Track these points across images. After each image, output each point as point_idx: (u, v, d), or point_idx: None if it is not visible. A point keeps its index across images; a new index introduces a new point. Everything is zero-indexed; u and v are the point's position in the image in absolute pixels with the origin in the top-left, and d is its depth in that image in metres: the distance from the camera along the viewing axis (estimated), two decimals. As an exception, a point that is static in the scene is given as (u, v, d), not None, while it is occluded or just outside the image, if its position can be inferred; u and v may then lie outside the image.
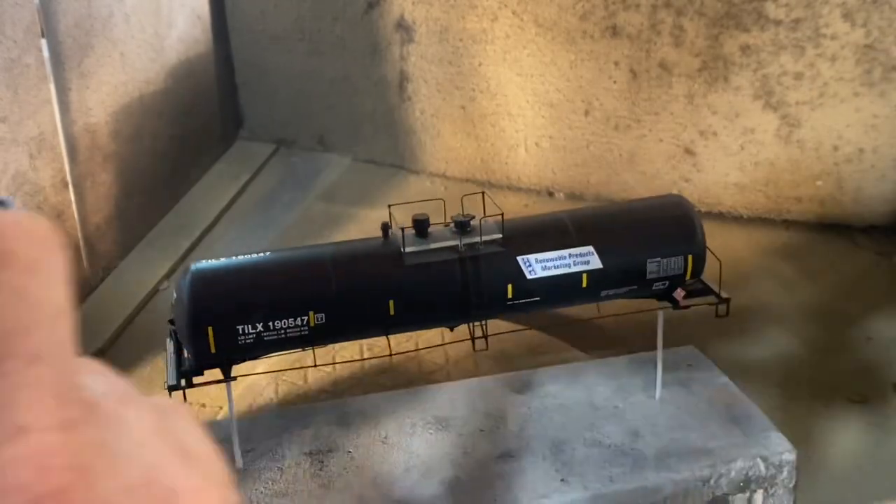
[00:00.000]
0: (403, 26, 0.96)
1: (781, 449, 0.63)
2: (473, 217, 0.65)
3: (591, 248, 0.64)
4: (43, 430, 0.16)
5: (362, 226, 0.94)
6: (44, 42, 0.75)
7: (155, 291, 0.86)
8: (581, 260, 0.64)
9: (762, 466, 0.64)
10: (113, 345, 0.84)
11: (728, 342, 0.78)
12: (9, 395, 0.16)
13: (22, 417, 0.16)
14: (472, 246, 0.64)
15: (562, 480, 0.62)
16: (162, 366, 0.70)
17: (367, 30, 0.98)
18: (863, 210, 0.93)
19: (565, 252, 0.64)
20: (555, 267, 0.63)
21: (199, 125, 1.02)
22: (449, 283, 0.64)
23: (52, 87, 0.76)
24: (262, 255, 0.64)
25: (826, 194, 0.93)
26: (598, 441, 0.65)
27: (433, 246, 0.64)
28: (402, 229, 0.63)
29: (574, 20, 0.90)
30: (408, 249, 0.63)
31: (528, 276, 0.63)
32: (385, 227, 0.65)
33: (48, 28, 0.75)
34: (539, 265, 0.63)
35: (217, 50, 1.02)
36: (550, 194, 1.00)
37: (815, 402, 0.73)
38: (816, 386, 0.74)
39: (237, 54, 1.04)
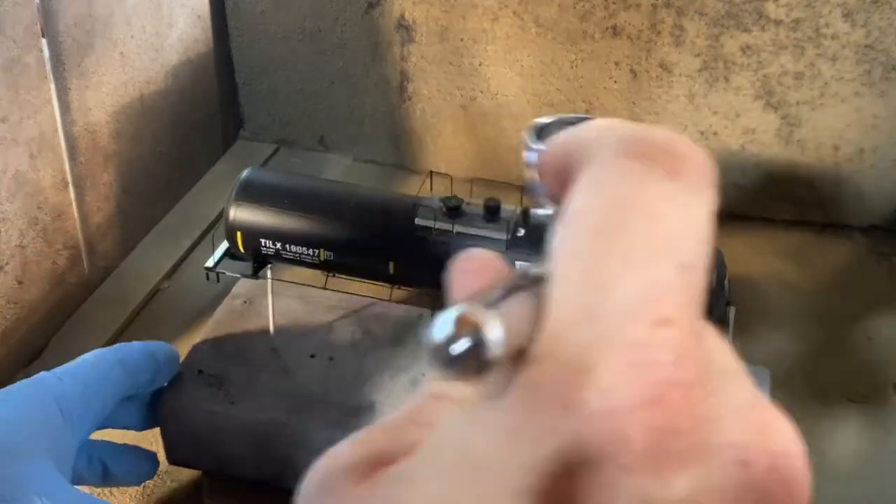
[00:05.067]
0: (404, 26, 0.96)
1: None
2: (498, 204, 0.67)
3: None
4: (684, 328, 0.17)
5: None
6: (44, 42, 0.75)
7: (156, 291, 0.86)
8: None
9: None
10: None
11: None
12: (658, 287, 0.17)
13: (667, 311, 0.16)
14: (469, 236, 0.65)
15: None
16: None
17: (367, 30, 0.98)
18: (863, 210, 0.93)
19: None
20: None
21: (199, 125, 1.02)
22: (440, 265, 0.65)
23: (52, 86, 0.76)
24: (307, 180, 0.71)
25: (826, 194, 0.93)
26: None
27: (457, 228, 0.65)
28: (441, 200, 0.65)
29: (575, 20, 0.90)
30: (419, 222, 0.65)
31: None
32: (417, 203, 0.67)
33: (48, 28, 0.75)
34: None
35: (217, 50, 1.02)
36: (551, 194, 0.99)
37: (815, 402, 0.73)
38: (816, 385, 0.74)
39: (237, 54, 1.04)
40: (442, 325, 0.16)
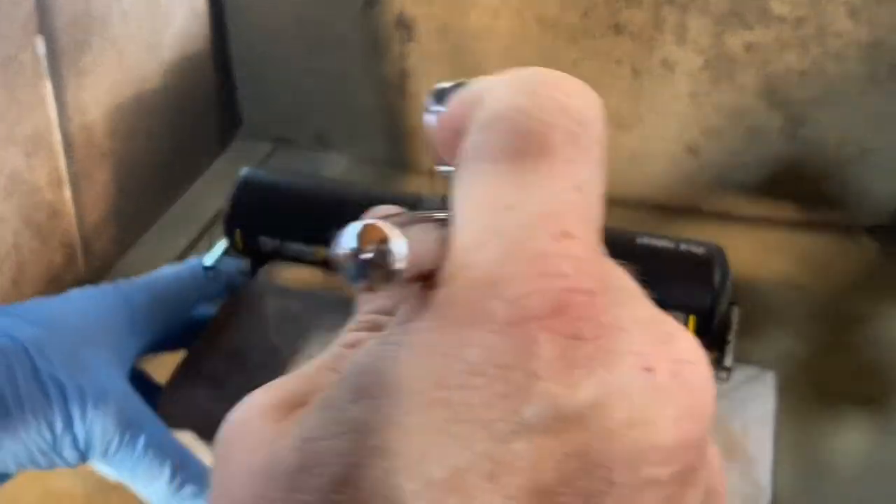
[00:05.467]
0: (403, 23, 0.95)
1: None
2: None
3: None
4: (584, 243, 0.17)
5: (362, 225, 0.93)
6: (40, 39, 0.74)
7: (153, 291, 0.85)
8: None
9: None
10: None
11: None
12: (556, 205, 0.17)
13: (567, 226, 0.17)
14: None
15: None
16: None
17: (366, 27, 0.97)
18: (868, 209, 0.92)
19: None
20: None
21: (197, 123, 1.01)
22: None
23: (48, 84, 0.76)
24: (307, 178, 0.70)
25: (831, 193, 0.92)
26: None
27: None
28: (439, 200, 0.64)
29: (576, 18, 0.89)
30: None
31: None
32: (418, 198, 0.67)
33: (44, 25, 0.74)
34: None
35: (215, 48, 1.02)
36: (552, 193, 0.99)
37: (820, 403, 0.72)
38: (821, 386, 0.74)
39: (235, 52, 1.03)
40: (349, 237, 0.17)
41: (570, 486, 0.15)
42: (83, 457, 0.53)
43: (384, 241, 0.17)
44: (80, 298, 0.57)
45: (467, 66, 0.95)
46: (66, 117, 0.78)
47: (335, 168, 1.03)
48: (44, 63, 0.74)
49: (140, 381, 0.64)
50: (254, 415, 0.19)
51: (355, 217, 0.67)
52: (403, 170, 1.02)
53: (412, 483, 0.15)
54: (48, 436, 0.51)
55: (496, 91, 0.21)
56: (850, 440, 0.69)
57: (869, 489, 0.65)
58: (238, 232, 0.67)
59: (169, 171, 0.96)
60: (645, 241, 0.61)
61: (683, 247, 0.61)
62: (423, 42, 0.95)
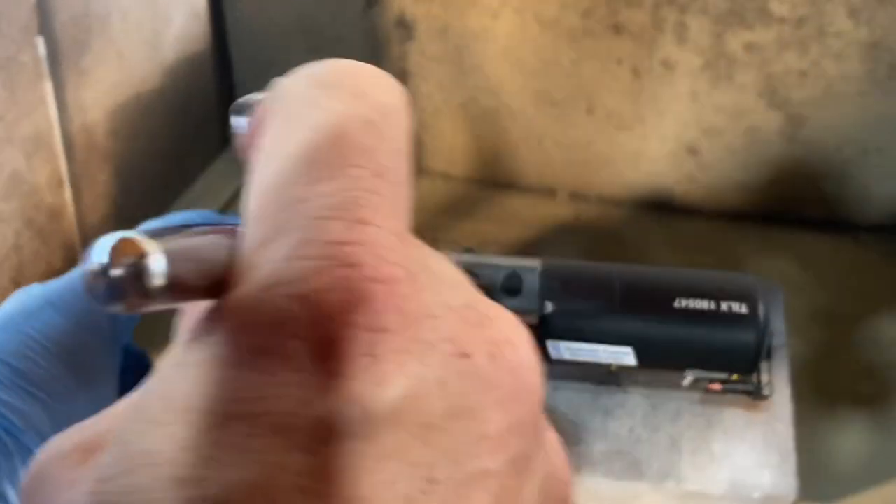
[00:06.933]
0: (403, 24, 0.95)
1: None
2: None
3: (629, 349, 0.57)
4: (381, 229, 0.16)
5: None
6: (40, 40, 0.74)
7: (153, 291, 0.85)
8: (614, 356, 0.57)
9: None
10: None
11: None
12: (353, 193, 0.16)
13: (363, 213, 0.16)
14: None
15: None
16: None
17: (366, 27, 0.97)
18: (868, 209, 0.92)
19: (599, 347, 0.56)
20: (583, 355, 0.57)
21: (197, 124, 1.01)
22: None
23: (48, 85, 0.76)
24: None
25: (831, 193, 0.92)
26: None
27: None
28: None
29: (576, 18, 0.89)
30: None
31: (553, 357, 0.57)
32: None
33: (45, 26, 0.74)
34: (567, 351, 0.57)
35: (215, 48, 1.02)
36: (552, 193, 0.99)
37: (818, 403, 0.72)
38: (819, 386, 0.74)
39: (235, 52, 1.03)
40: (100, 251, 0.15)
41: (390, 492, 0.14)
42: None
43: (141, 255, 0.15)
44: (59, 332, 0.45)
45: (467, 66, 0.95)
46: (66, 118, 0.78)
47: (335, 168, 1.03)
48: (44, 64, 0.74)
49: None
50: (52, 461, 0.17)
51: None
52: (403, 170, 1.03)
53: None
54: None
55: (290, 86, 0.19)
56: (850, 440, 0.69)
57: (868, 488, 0.65)
58: None
59: (169, 172, 0.96)
60: (683, 304, 0.56)
61: (724, 307, 0.55)
62: (423, 42, 0.95)
